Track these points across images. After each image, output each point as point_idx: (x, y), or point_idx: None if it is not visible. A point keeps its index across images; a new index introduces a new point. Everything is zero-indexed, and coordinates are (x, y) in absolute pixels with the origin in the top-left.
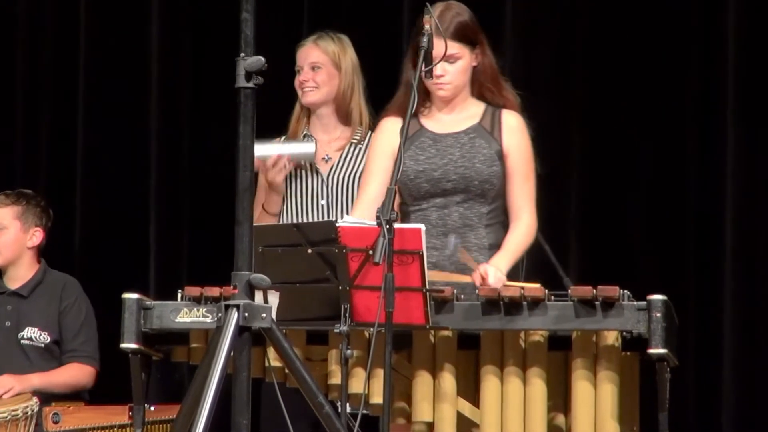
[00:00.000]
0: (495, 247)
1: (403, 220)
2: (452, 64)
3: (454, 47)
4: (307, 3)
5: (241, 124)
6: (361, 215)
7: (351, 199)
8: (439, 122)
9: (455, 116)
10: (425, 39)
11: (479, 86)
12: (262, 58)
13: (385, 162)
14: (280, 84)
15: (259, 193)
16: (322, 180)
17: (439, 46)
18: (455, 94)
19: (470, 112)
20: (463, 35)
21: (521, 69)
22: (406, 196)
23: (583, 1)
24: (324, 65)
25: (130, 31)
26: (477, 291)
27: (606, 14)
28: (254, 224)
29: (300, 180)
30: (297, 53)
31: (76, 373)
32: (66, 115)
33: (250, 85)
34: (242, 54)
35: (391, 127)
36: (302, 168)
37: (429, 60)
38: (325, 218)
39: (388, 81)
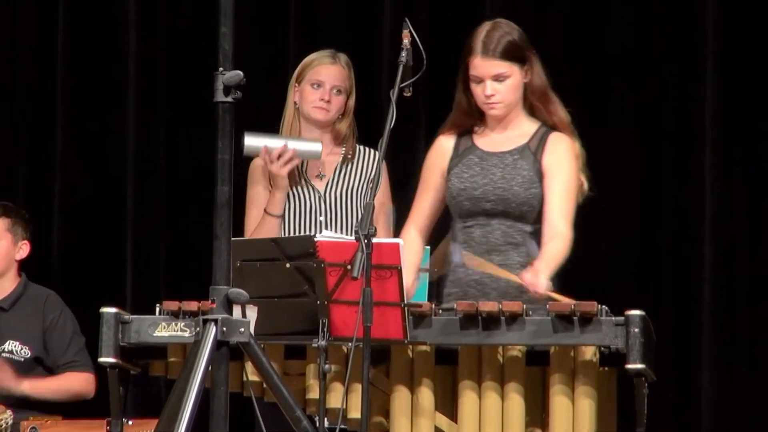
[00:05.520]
0: None
1: (452, 237)
2: (501, 83)
3: (503, 66)
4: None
5: (219, 139)
6: (415, 227)
7: (349, 214)
8: (489, 141)
9: (507, 134)
10: (404, 54)
11: (529, 103)
12: (241, 73)
13: (436, 179)
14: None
15: (250, 208)
16: (320, 196)
17: (486, 66)
18: (507, 112)
19: (522, 131)
20: (512, 54)
21: None
22: (452, 213)
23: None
24: (344, 92)
25: (108, 45)
26: (455, 306)
27: (581, 30)
28: (255, 233)
29: (297, 197)
30: (316, 66)
31: (74, 380)
32: (44, 129)
33: (229, 99)
34: (221, 68)
35: (444, 145)
36: (298, 184)
37: (407, 75)
38: None
39: (367, 97)
